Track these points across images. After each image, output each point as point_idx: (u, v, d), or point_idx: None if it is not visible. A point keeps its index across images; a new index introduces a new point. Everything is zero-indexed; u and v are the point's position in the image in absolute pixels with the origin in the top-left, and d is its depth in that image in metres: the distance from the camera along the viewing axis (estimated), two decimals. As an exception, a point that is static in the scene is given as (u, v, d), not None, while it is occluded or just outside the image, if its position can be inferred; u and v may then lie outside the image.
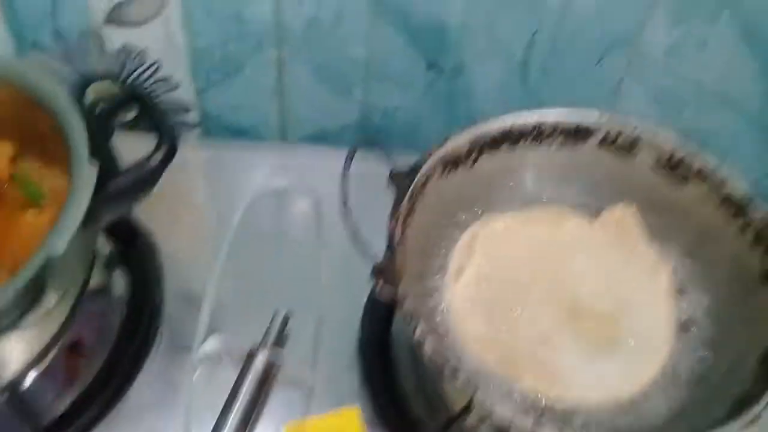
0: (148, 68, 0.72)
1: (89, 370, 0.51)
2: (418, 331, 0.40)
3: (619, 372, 0.44)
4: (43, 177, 0.53)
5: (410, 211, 0.46)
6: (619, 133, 0.51)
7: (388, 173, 0.47)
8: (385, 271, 0.42)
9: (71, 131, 0.44)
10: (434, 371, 0.38)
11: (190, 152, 0.70)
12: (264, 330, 0.52)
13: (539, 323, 0.46)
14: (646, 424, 0.42)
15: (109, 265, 0.55)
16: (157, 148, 0.46)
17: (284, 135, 0.79)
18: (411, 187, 0.46)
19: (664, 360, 0.45)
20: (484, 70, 0.70)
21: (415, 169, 0.47)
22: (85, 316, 0.50)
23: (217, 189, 0.66)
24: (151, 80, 0.73)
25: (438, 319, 0.46)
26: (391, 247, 0.43)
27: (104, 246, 0.57)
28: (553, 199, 0.53)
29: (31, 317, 0.43)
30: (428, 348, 0.39)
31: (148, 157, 0.46)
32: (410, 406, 0.51)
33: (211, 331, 0.51)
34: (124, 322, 0.53)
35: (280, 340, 0.51)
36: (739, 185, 0.47)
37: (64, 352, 0.49)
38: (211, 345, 0.50)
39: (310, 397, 0.51)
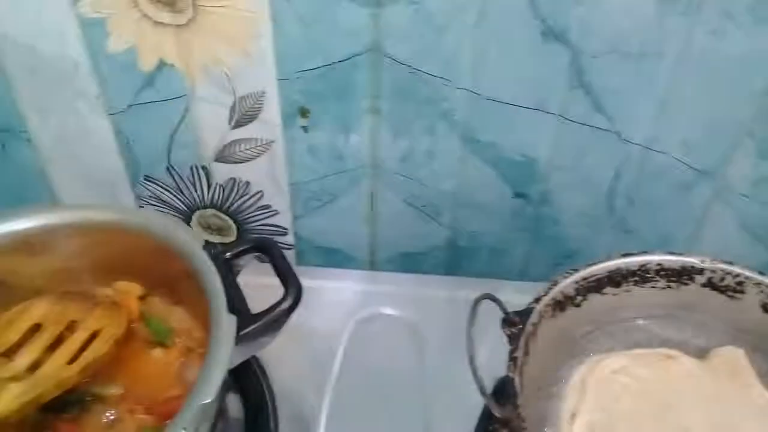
0: (250, 198, 0.76)
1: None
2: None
3: None
4: (170, 315, 0.57)
5: (525, 355, 0.47)
6: (723, 276, 0.52)
7: (501, 318, 0.48)
8: (510, 422, 0.43)
9: (209, 285, 0.48)
10: None
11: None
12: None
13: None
14: None
15: (224, 389, 0.58)
16: (286, 294, 0.49)
17: (373, 256, 0.82)
18: (524, 333, 0.48)
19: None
20: (570, 199, 0.73)
21: (526, 313, 0.49)
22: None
23: (318, 315, 0.69)
24: (253, 208, 0.77)
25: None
26: (513, 396, 0.44)
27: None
28: (660, 338, 0.54)
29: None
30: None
31: (277, 304, 0.49)
32: None
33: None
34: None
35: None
36: None
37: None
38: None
39: None
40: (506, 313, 0.49)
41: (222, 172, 0.74)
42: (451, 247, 0.80)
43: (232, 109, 0.68)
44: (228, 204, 0.77)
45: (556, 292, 0.51)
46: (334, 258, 0.81)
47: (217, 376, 0.42)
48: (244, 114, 0.68)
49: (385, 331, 0.68)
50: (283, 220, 0.78)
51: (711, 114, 0.63)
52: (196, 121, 0.69)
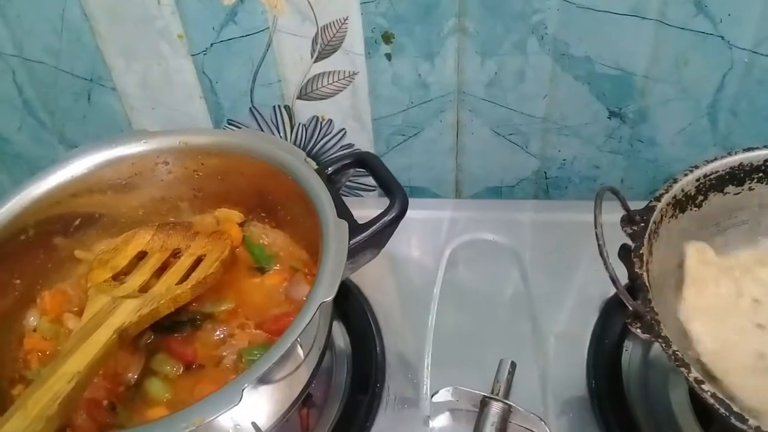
0: (333, 136, 0.75)
1: (322, 424, 0.51)
2: (692, 376, 0.38)
3: None
4: (271, 239, 0.56)
5: (650, 252, 0.45)
6: None
7: (621, 216, 0.46)
8: (641, 316, 0.41)
9: (314, 193, 0.47)
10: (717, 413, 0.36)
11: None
12: (490, 380, 0.52)
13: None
14: None
15: (331, 318, 0.57)
16: (391, 205, 0.48)
17: (459, 194, 0.80)
18: (647, 231, 0.45)
19: None
20: (669, 116, 0.69)
21: (648, 211, 0.46)
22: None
23: (413, 245, 0.68)
24: (336, 147, 0.76)
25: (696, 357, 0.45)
26: (644, 291, 0.42)
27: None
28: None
29: (282, 373, 0.45)
30: (708, 389, 0.37)
31: (383, 214, 0.48)
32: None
33: (436, 382, 0.51)
34: (352, 376, 0.54)
35: (509, 389, 0.50)
36: None
37: (299, 406, 0.50)
38: (443, 396, 0.50)
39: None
40: (628, 210, 0.46)
41: (304, 111, 0.73)
42: (540, 179, 0.78)
43: (314, 40, 0.66)
44: (311, 145, 0.76)
45: (677, 189, 0.48)
46: (419, 197, 0.80)
47: (335, 273, 0.41)
48: (327, 44, 0.67)
49: (482, 256, 0.66)
50: (367, 158, 0.77)
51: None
52: (278, 56, 0.68)
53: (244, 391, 0.37)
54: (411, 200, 0.55)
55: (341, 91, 0.71)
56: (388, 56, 0.67)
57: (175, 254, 0.55)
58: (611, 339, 0.55)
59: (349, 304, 0.59)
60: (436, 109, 0.72)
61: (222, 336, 0.49)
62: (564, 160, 0.75)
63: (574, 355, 0.55)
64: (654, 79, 0.66)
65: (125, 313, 0.46)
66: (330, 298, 0.40)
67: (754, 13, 0.60)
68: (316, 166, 0.50)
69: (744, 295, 0.49)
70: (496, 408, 0.49)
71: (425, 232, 0.69)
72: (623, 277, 0.43)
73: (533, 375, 0.55)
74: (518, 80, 0.68)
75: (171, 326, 0.50)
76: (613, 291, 0.51)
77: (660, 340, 0.40)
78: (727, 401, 0.37)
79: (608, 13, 0.62)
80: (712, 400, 0.37)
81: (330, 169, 0.52)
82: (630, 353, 0.55)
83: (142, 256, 0.54)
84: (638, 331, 0.40)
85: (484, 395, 0.49)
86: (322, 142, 0.76)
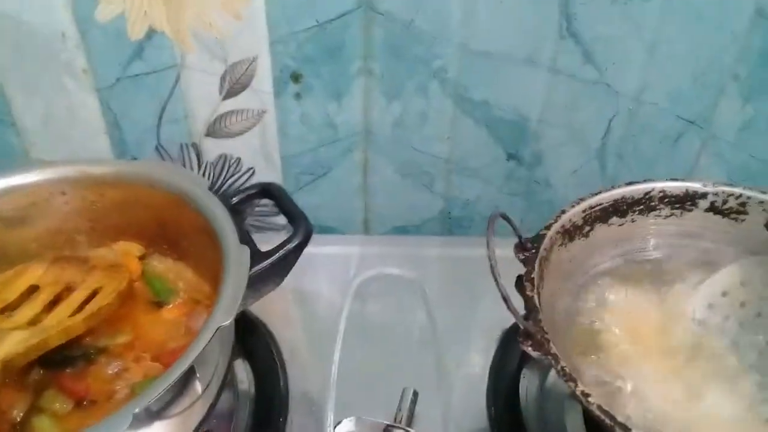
0: (242, 175, 0.75)
1: (223, 463, 0.50)
2: (579, 389, 0.40)
3: None
4: (172, 272, 0.55)
5: (541, 277, 0.47)
6: (726, 199, 0.53)
7: (515, 243, 0.48)
8: (532, 334, 0.42)
9: (217, 221, 0.47)
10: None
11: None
12: (393, 410, 0.52)
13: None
14: None
15: (232, 356, 0.56)
16: (295, 233, 0.48)
17: (367, 231, 0.81)
18: (538, 256, 0.47)
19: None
20: (562, 158, 0.74)
21: (539, 238, 0.49)
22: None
23: (320, 280, 0.68)
24: (245, 186, 0.76)
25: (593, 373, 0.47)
26: (533, 310, 0.44)
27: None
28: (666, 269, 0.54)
29: (178, 406, 0.43)
30: (593, 401, 0.39)
31: (286, 241, 0.48)
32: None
33: (341, 415, 0.51)
34: (254, 414, 0.53)
35: (411, 417, 0.51)
36: None
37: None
38: (346, 427, 0.50)
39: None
40: (520, 237, 0.49)
41: (213, 149, 0.73)
42: (445, 218, 0.80)
43: (223, 78, 0.67)
44: (219, 183, 0.76)
45: (565, 219, 0.51)
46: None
47: (234, 298, 0.41)
48: (235, 83, 0.68)
49: (388, 291, 0.67)
50: (276, 197, 0.77)
51: (696, 58, 0.65)
52: (186, 92, 0.68)
53: (135, 416, 0.35)
54: (319, 236, 0.56)
55: (250, 129, 0.71)
56: (297, 96, 0.69)
57: (69, 288, 0.53)
58: (509, 368, 0.57)
59: (255, 341, 0.58)
60: (345, 149, 0.73)
61: (116, 370, 0.48)
62: (467, 200, 0.78)
63: (475, 384, 0.57)
64: (547, 123, 0.71)
65: (11, 344, 0.44)
66: (228, 322, 0.40)
67: (636, 62, 0.66)
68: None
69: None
70: (398, 436, 0.49)
71: (333, 268, 0.70)
72: (522, 308, 0.45)
73: (437, 405, 0.56)
74: (422, 122, 0.71)
75: (62, 361, 0.48)
76: (511, 321, 0.53)
77: (550, 356, 0.41)
78: (611, 412, 0.39)
79: (505, 60, 0.66)
80: (597, 411, 0.39)
81: (234, 199, 0.52)
82: (527, 381, 0.57)
83: (33, 290, 0.52)
84: (529, 349, 0.42)
85: (387, 423, 0.49)
86: (230, 181, 0.76)
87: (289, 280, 0.68)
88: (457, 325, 0.63)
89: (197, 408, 0.45)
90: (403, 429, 0.49)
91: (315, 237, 0.76)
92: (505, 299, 0.41)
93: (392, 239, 0.78)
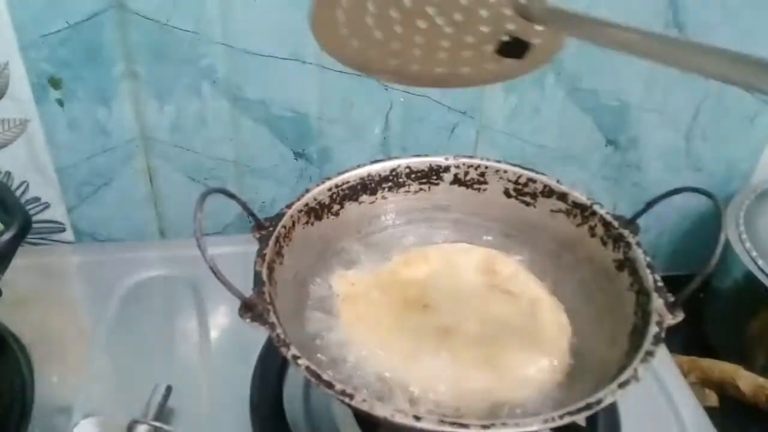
0: (15, 191, 0.71)
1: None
2: (290, 353, 0.39)
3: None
4: None
5: (278, 254, 0.47)
6: (467, 171, 0.55)
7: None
8: (253, 306, 0.42)
9: None
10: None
11: (60, 257, 0.71)
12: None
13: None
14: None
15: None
16: (10, 223, 0.46)
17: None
18: (275, 234, 0.47)
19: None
20: (347, 155, 0.75)
21: (277, 217, 0.49)
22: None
23: (91, 288, 0.65)
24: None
25: (317, 342, 0.46)
26: (258, 284, 0.43)
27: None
28: (422, 238, 0.55)
29: None
30: (302, 363, 0.39)
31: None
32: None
33: (84, 416, 0.49)
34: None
35: (163, 412, 0.49)
36: (579, 194, 0.52)
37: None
38: (85, 428, 0.47)
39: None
40: (256, 218, 0.48)
41: (-22, 165, 0.69)
42: (245, 223, 0.79)
43: (-26, 87, 0.63)
44: (-9, 202, 0.71)
45: (309, 197, 0.51)
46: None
47: None
48: (-11, 91, 0.64)
49: (156, 293, 0.65)
50: (57, 213, 0.74)
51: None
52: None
53: None
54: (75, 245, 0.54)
55: (14, 140, 0.68)
56: (60, 102, 0.66)
57: None
58: (274, 359, 0.56)
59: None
60: (124, 156, 0.71)
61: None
62: (263, 202, 0.77)
63: (242, 378, 0.55)
64: (327, 120, 0.72)
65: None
66: None
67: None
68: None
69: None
70: (143, 430, 0.47)
71: (102, 276, 0.67)
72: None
73: (200, 401, 0.54)
74: (200, 124, 0.70)
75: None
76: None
77: (267, 326, 0.41)
78: (318, 371, 0.38)
79: (272, 58, 0.67)
80: (306, 373, 0.38)
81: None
82: (294, 370, 0.56)
83: None
84: (248, 320, 0.41)
85: (132, 419, 0.47)
86: (2, 198, 0.71)
87: (49, 290, 0.65)
88: (227, 321, 0.62)
89: None
90: (148, 423, 0.47)
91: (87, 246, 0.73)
92: (214, 270, 0.40)
93: (162, 242, 0.77)
